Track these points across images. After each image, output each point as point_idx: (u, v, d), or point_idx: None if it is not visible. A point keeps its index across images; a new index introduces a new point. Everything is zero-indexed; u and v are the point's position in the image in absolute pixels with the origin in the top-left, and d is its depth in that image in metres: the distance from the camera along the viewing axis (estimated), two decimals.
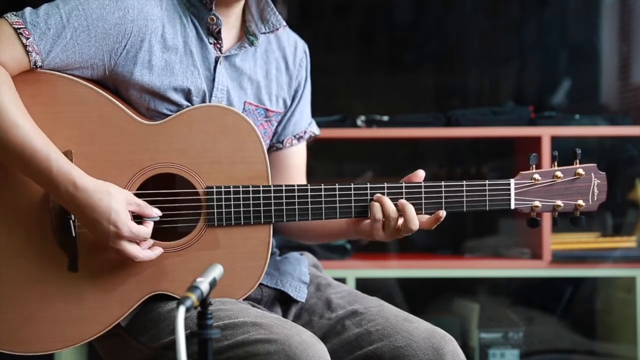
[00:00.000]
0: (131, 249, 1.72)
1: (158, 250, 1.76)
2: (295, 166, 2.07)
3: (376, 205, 1.81)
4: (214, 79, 1.86)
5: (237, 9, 1.90)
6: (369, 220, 1.83)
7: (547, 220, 3.01)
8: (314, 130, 2.10)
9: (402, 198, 1.81)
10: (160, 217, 1.76)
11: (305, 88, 2.06)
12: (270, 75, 1.96)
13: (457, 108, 3.40)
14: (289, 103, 2.02)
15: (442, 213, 1.81)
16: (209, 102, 1.85)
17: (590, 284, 3.53)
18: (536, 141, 3.10)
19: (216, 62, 1.86)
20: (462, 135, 3.25)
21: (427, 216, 1.84)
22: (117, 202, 1.69)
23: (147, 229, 1.73)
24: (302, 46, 2.05)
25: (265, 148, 1.81)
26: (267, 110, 1.95)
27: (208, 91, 1.85)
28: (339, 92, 3.71)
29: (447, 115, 3.24)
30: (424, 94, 3.82)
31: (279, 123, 2.03)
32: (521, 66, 3.88)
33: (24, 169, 1.71)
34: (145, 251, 1.74)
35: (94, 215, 1.69)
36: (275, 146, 2.04)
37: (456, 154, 3.79)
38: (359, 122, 3.22)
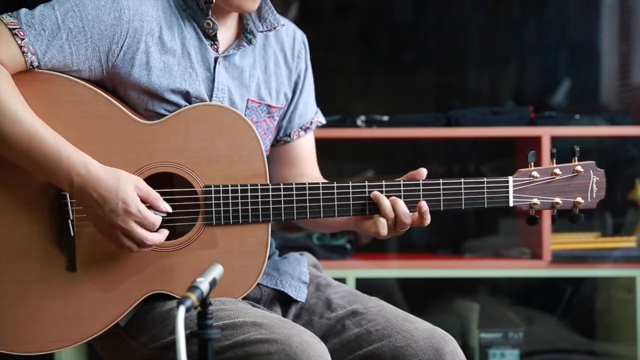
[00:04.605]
0: (140, 230, 1.70)
1: (165, 232, 1.75)
2: (305, 157, 2.07)
3: (385, 207, 1.80)
4: (214, 79, 1.86)
5: (234, 13, 1.90)
6: (370, 220, 1.83)
7: (547, 220, 3.01)
8: (320, 119, 2.10)
9: (400, 196, 1.81)
10: (167, 214, 1.74)
11: (306, 79, 2.05)
12: (269, 70, 1.96)
13: (457, 108, 3.39)
14: (289, 96, 2.02)
15: (423, 204, 1.80)
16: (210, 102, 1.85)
17: (590, 284, 3.52)
18: (536, 141, 3.09)
19: (215, 62, 1.86)
20: (462, 135, 3.24)
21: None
22: (126, 183, 1.69)
23: (155, 216, 1.72)
24: (300, 36, 2.04)
25: (263, 146, 1.81)
26: (269, 106, 1.95)
27: (208, 92, 1.85)
28: (339, 92, 3.71)
29: (447, 115, 3.24)
30: (424, 94, 3.81)
31: (284, 117, 2.03)
32: (521, 66, 3.87)
33: (28, 161, 1.69)
34: (155, 234, 1.73)
35: (101, 192, 1.68)
36: (283, 140, 2.04)
37: (456, 154, 3.79)
38: (359, 122, 3.22)
